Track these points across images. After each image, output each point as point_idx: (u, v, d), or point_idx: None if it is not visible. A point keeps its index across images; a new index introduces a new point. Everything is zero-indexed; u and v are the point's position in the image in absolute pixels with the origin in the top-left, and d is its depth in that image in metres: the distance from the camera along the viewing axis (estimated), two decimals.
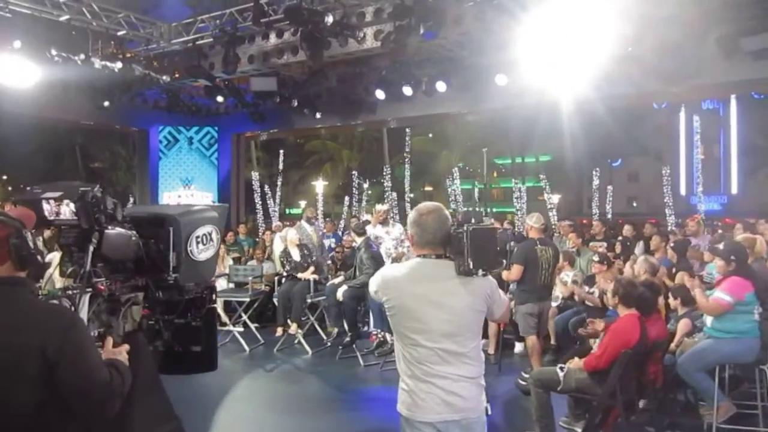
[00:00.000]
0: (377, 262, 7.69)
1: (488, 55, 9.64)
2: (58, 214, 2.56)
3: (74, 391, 2.01)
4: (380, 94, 11.21)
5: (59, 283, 2.71)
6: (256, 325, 8.82)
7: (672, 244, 8.23)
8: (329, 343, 8.20)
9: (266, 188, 25.09)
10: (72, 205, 2.54)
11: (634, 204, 43.20)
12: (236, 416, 5.97)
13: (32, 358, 1.95)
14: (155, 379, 2.71)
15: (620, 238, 9.79)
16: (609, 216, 26.31)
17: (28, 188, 2.75)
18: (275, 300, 8.86)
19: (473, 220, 2.68)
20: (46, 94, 10.60)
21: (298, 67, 11.07)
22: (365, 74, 11.19)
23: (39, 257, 2.14)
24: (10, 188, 32.99)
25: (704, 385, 5.01)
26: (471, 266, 2.61)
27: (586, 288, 7.53)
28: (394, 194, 26.42)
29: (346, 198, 29.90)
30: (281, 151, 28.40)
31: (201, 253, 3.00)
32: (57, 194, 2.56)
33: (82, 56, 9.25)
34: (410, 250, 8.72)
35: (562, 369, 4.78)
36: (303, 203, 40.30)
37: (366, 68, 11.07)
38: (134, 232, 2.78)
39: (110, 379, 2.07)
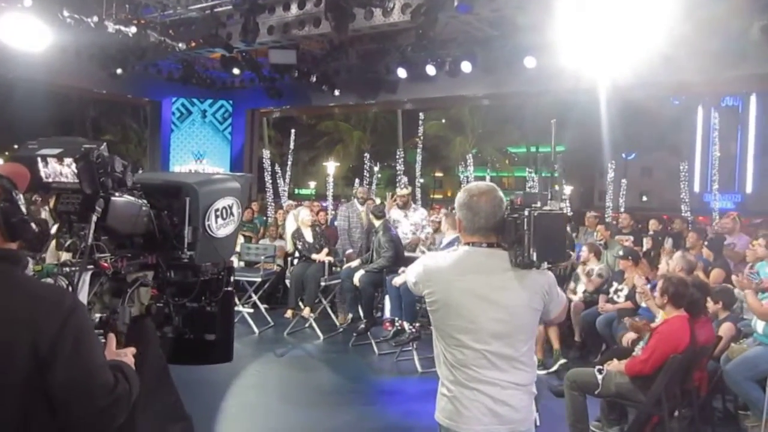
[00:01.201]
0: (396, 246, 7.37)
1: (519, 36, 9.23)
2: (57, 174, 2.17)
3: (70, 396, 1.59)
4: (402, 73, 10.90)
5: (53, 257, 2.30)
6: (266, 306, 8.49)
7: (706, 242, 7.83)
8: (342, 329, 7.88)
9: (276, 167, 24.75)
10: (73, 165, 2.12)
11: (644, 198, 42.70)
12: (245, 405, 5.64)
13: (20, 355, 1.54)
14: (164, 373, 2.34)
15: (651, 232, 9.39)
16: (622, 210, 25.84)
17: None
18: (287, 281, 8.53)
19: (539, 203, 2.31)
20: (59, 60, 10.31)
21: (318, 41, 10.66)
22: (387, 51, 10.80)
23: (34, 225, 1.72)
24: None
25: (753, 395, 4.63)
26: (534, 258, 2.24)
27: (615, 285, 7.18)
28: (405, 179, 26.02)
29: (357, 180, 29.50)
30: (293, 131, 27.98)
31: (220, 228, 2.60)
32: (56, 151, 2.12)
33: (96, 18, 8.81)
34: (429, 236, 8.46)
35: (600, 371, 4.40)
36: (312, 184, 40.11)
37: (389, 45, 10.67)
38: (145, 201, 2.37)
39: (114, 383, 1.65)
